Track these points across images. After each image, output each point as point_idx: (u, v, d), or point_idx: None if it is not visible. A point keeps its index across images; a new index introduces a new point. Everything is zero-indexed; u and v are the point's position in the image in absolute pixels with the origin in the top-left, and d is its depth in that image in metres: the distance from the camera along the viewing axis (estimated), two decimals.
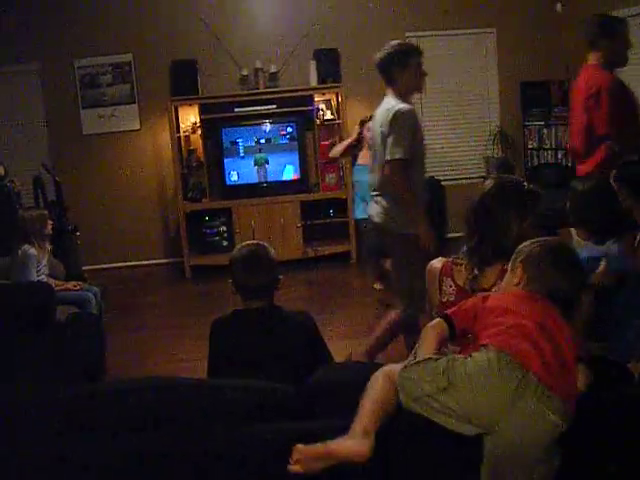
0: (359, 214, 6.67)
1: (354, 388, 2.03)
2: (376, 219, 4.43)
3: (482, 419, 1.93)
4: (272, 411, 1.91)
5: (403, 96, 4.34)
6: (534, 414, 1.91)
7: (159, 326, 6.53)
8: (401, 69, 4.30)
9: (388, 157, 4.20)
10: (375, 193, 4.46)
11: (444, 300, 2.63)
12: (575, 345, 2.08)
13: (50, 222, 5.67)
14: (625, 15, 7.11)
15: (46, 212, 5.80)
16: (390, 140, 4.20)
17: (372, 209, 4.50)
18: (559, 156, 8.56)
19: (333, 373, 2.37)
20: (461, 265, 2.65)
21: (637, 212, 3.65)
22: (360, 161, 6.77)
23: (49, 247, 5.71)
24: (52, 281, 5.47)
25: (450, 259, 2.72)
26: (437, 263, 2.74)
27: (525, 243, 2.31)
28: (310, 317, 3.26)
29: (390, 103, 4.33)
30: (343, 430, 1.93)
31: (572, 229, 3.69)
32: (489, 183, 2.70)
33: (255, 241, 3.28)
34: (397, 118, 4.20)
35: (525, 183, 2.78)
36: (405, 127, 4.19)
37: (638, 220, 3.62)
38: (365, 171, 6.11)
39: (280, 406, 1.89)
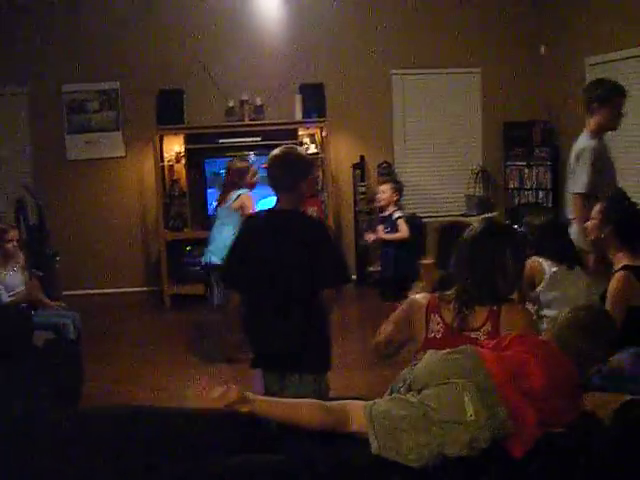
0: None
1: None
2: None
3: (418, 381, 2.10)
4: (253, 442, 1.90)
5: (596, 130, 4.69)
6: (456, 401, 2.01)
7: (136, 354, 6.48)
8: (600, 105, 4.64)
9: (570, 190, 4.71)
10: (571, 217, 4.77)
11: (430, 336, 2.60)
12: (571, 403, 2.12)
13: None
14: (604, 60, 7.24)
15: None
16: (574, 175, 4.68)
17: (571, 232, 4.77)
18: (540, 196, 8.65)
19: None
20: (449, 302, 2.62)
21: (611, 248, 3.73)
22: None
23: (20, 264, 5.57)
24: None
25: (436, 295, 2.69)
26: (422, 299, 2.70)
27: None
28: (326, 225, 3.88)
29: (581, 140, 4.73)
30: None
31: (541, 259, 4.05)
32: (480, 224, 2.69)
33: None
34: (580, 156, 4.63)
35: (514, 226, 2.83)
36: (586, 164, 4.58)
37: (607, 254, 3.75)
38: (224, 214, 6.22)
39: (261, 437, 1.88)
